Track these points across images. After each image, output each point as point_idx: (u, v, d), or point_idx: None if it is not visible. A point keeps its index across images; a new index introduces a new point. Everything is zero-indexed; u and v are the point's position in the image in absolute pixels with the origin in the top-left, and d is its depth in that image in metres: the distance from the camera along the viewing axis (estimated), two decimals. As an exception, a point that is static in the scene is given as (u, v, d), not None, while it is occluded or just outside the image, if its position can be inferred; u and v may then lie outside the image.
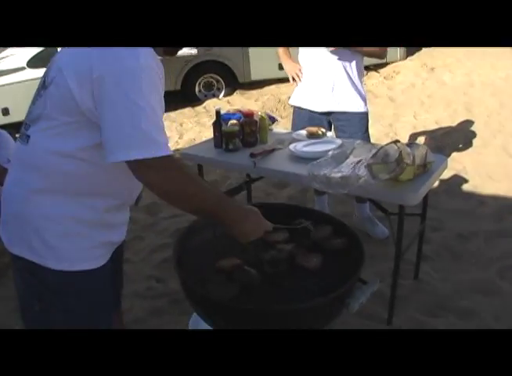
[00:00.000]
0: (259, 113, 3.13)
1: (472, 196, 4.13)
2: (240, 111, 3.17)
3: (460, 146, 5.25)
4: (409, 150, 2.26)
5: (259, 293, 1.65)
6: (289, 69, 3.47)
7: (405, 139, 5.54)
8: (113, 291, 1.71)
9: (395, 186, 2.28)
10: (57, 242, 1.45)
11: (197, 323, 2.06)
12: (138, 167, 1.28)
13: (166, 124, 6.82)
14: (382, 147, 2.33)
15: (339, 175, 2.43)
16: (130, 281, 3.25)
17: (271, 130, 3.33)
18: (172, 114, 7.26)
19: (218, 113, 2.96)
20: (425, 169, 2.40)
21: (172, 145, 5.95)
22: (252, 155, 2.72)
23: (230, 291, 1.61)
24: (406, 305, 2.82)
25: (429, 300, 2.88)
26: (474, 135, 5.54)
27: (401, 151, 2.24)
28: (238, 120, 3.07)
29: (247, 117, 2.99)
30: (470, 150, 5.15)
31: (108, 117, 1.28)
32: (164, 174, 1.30)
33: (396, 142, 2.33)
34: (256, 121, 3.02)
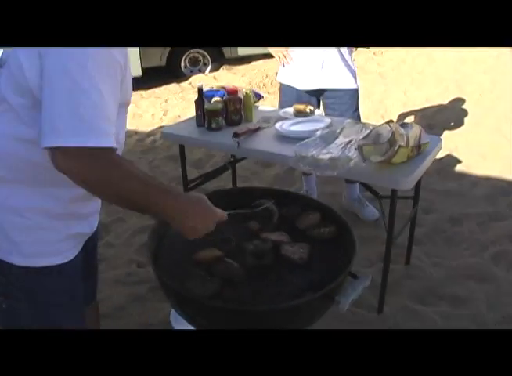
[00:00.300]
0: (244, 90, 2.96)
1: (464, 176, 4.01)
2: (224, 88, 3.00)
3: (452, 124, 5.12)
4: (402, 130, 2.12)
5: (242, 288, 1.52)
6: (275, 49, 3.27)
7: (395, 117, 5.40)
8: (86, 284, 1.63)
9: (388, 169, 2.14)
10: (20, 236, 1.33)
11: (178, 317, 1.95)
12: (62, 156, 1.10)
13: (151, 100, 6.70)
14: (374, 128, 2.19)
15: (328, 156, 2.28)
16: (111, 266, 3.13)
17: (256, 107, 3.17)
18: (157, 90, 7.05)
19: (200, 90, 2.79)
20: (419, 151, 2.26)
21: (156, 122, 5.77)
22: (235, 135, 2.56)
23: (210, 287, 1.48)
24: (397, 292, 2.72)
25: (421, 286, 2.77)
26: (465, 113, 5.41)
27: (393, 132, 2.10)
28: (222, 97, 2.91)
29: (231, 95, 2.83)
30: (462, 128, 5.03)
31: (45, 94, 1.12)
32: (93, 165, 1.12)
33: (389, 122, 2.18)
34: (240, 99, 2.86)
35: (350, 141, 2.36)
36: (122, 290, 2.91)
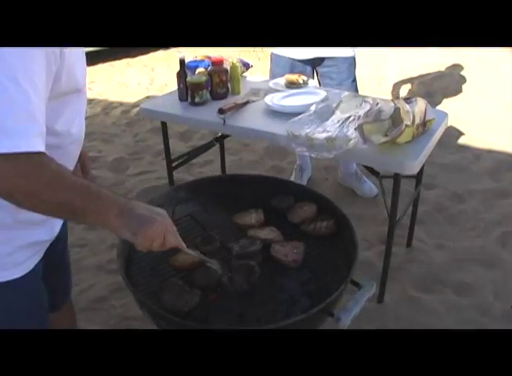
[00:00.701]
0: (230, 59, 2.69)
1: (467, 149, 3.80)
2: (209, 58, 2.73)
3: (452, 92, 4.87)
4: (407, 107, 1.89)
5: (225, 299, 1.31)
6: None
7: (391, 83, 5.14)
8: (54, 290, 1.51)
9: (391, 151, 1.92)
10: None
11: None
12: None
13: (137, 68, 6.39)
14: (375, 103, 1.96)
15: (323, 135, 2.05)
16: (92, 252, 2.95)
17: (244, 78, 2.91)
18: (144, 58, 6.74)
19: (182, 61, 2.53)
20: (424, 129, 2.03)
21: (143, 92, 5.49)
22: (221, 111, 2.31)
23: (189, 301, 1.27)
24: (399, 278, 2.53)
25: (423, 272, 2.59)
26: (465, 80, 5.15)
27: (399, 109, 1.87)
28: (206, 68, 2.65)
29: (216, 65, 2.56)
30: (462, 96, 4.78)
31: None
32: (9, 173, 0.93)
33: (394, 99, 1.95)
34: (226, 70, 2.60)
35: (348, 117, 2.13)
36: (104, 279, 2.71)
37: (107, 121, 4.87)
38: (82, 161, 1.57)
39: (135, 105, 5.15)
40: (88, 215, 1.02)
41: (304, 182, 3.40)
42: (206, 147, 3.10)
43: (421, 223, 2.90)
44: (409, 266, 2.63)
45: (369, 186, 3.27)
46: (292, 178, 3.42)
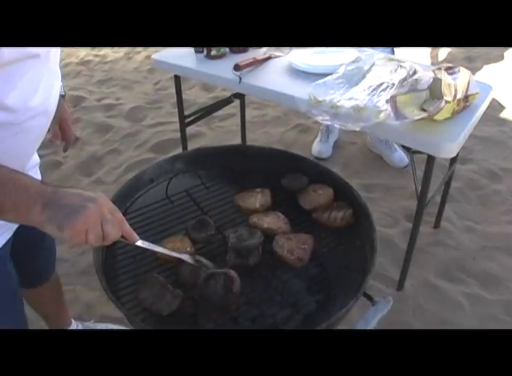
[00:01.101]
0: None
1: (506, 122, 3.45)
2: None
3: (494, 58, 4.44)
4: (450, 79, 1.61)
5: (215, 303, 1.13)
6: None
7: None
8: (32, 272, 1.53)
9: (426, 129, 1.67)
10: None
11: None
12: None
13: None
14: (413, 72, 1.70)
15: (350, 103, 1.81)
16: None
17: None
18: None
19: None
20: (466, 104, 1.76)
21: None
22: (236, 67, 2.07)
23: (170, 303, 1.09)
24: (422, 263, 2.32)
25: (449, 257, 2.36)
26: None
27: (440, 81, 1.60)
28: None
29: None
30: (505, 64, 4.36)
31: None
32: None
33: (435, 69, 1.68)
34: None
35: (380, 84, 1.87)
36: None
37: (129, 66, 4.64)
38: (63, 129, 1.44)
39: (159, 51, 4.89)
40: (5, 213, 0.82)
41: (330, 145, 3.16)
42: (227, 101, 2.86)
43: (452, 201, 2.65)
44: (435, 250, 2.40)
45: (400, 156, 3.01)
46: (317, 140, 3.19)
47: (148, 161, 3.19)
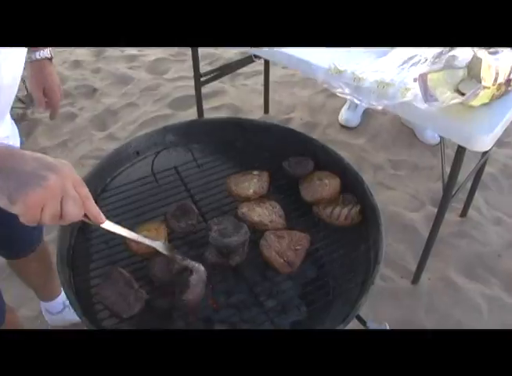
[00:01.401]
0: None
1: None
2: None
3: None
4: (492, 59, 1.38)
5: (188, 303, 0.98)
6: None
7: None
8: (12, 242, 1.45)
9: (459, 115, 1.44)
10: None
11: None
12: None
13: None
14: (451, 48, 1.46)
15: (375, 77, 1.58)
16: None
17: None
18: None
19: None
20: (507, 89, 1.52)
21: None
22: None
23: (132, 305, 0.95)
24: (443, 255, 2.13)
25: (473, 251, 2.16)
26: None
27: (479, 61, 1.37)
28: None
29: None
30: None
31: None
32: None
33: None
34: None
35: (411, 57, 1.63)
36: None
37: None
38: (48, 95, 1.31)
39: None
40: None
41: (358, 114, 2.95)
42: (251, 59, 2.64)
43: (483, 188, 2.42)
44: (458, 242, 2.20)
45: (433, 133, 2.77)
46: (345, 107, 2.97)
47: (164, 118, 3.04)
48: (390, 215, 2.31)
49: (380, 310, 1.91)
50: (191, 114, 2.93)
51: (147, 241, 0.95)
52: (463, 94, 1.40)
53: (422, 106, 1.41)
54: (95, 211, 0.77)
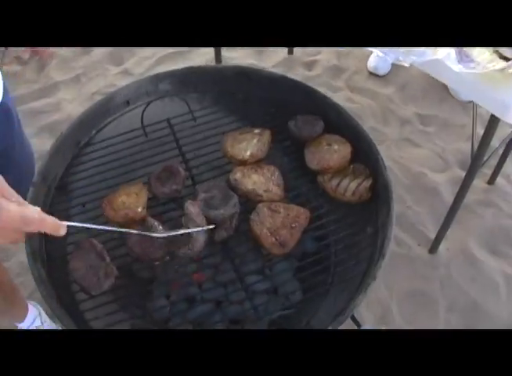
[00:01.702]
0: None
1: None
2: None
3: None
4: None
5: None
6: None
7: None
8: None
9: (494, 81, 1.25)
10: None
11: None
12: None
13: None
14: None
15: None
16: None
17: None
18: None
19: None
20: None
21: None
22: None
23: (103, 281, 0.85)
24: (465, 224, 1.99)
25: (497, 224, 2.01)
26: None
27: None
28: None
29: None
30: None
31: None
32: None
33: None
34: None
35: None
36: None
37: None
38: None
39: None
40: None
41: (388, 62, 2.71)
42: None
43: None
44: (483, 211, 2.05)
45: (468, 88, 2.55)
46: (374, 54, 2.74)
47: (182, 55, 2.87)
48: (413, 174, 2.16)
49: (392, 278, 1.80)
50: (208, 52, 2.75)
51: (122, 230, 0.86)
52: (504, 58, 1.21)
53: (455, 67, 1.23)
54: (42, 222, 0.69)
